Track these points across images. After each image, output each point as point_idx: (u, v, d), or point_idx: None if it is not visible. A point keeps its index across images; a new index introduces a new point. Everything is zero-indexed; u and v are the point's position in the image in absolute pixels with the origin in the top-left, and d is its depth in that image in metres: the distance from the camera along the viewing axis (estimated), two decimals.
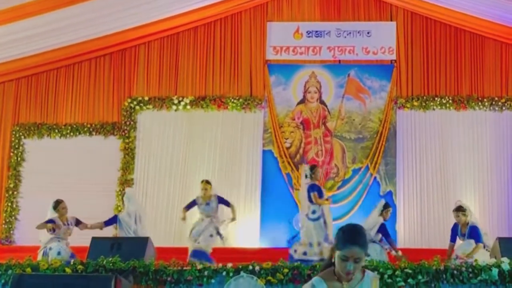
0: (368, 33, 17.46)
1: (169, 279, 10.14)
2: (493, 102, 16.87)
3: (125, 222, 12.54)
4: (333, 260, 4.54)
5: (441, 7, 16.95)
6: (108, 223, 12.73)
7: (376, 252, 11.50)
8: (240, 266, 10.14)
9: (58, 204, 12.46)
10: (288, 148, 17.12)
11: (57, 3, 15.52)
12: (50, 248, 11.97)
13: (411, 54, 17.31)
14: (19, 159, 17.38)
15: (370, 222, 12.06)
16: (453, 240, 12.26)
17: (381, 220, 11.92)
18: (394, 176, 16.75)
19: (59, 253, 11.68)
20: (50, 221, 12.28)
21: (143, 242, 11.42)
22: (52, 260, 10.72)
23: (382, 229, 11.93)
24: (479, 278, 9.95)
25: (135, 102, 17.41)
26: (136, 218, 12.92)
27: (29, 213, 16.67)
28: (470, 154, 16.73)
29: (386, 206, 12.16)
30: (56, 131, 17.40)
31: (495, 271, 9.97)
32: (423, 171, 16.69)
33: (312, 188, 12.94)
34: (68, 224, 12.44)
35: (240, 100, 17.25)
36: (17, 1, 15.11)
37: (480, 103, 16.88)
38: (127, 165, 17.07)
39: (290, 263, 10.70)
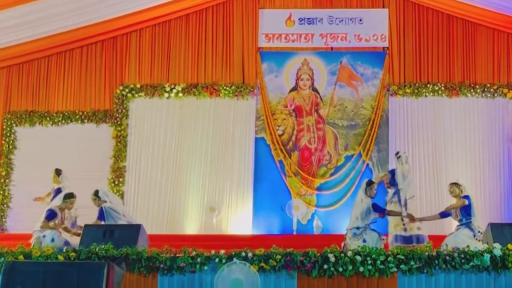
0: (360, 20, 17.45)
1: (161, 266, 10.14)
2: (485, 89, 16.90)
3: (112, 209, 12.42)
4: None
5: None
6: (101, 217, 12.62)
7: (373, 240, 11.51)
8: (233, 253, 10.14)
9: (70, 197, 12.36)
10: (280, 135, 17.13)
11: None
12: (44, 236, 11.91)
13: (403, 41, 17.31)
14: (10, 147, 17.33)
15: (359, 206, 11.97)
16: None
17: (369, 201, 11.89)
18: (386, 163, 16.78)
19: (52, 240, 11.63)
20: (53, 214, 12.14)
21: (135, 229, 11.37)
22: (44, 248, 10.70)
23: (376, 208, 11.89)
24: (471, 264, 9.98)
25: (127, 90, 17.37)
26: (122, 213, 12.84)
27: (21, 201, 16.67)
28: (463, 140, 16.79)
29: (369, 183, 12.13)
30: (48, 119, 17.37)
31: (487, 257, 10.01)
32: (416, 157, 16.71)
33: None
34: (63, 219, 12.37)
35: (232, 87, 17.23)
36: None
37: (472, 90, 16.91)
38: (119, 153, 17.05)
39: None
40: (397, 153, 13.65)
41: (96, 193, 12.73)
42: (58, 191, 13.88)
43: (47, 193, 14.39)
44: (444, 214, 12.39)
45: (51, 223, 12.07)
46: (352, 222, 11.91)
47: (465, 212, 11.78)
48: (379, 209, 11.90)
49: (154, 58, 17.62)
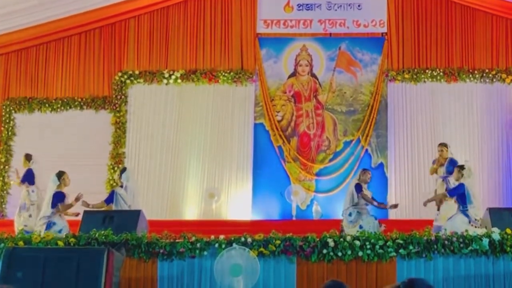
0: (359, 6, 17.42)
1: (161, 251, 10.17)
2: (484, 74, 16.90)
3: (122, 197, 12.53)
4: None
5: None
6: (108, 200, 12.71)
7: (369, 225, 11.60)
8: (233, 238, 10.18)
9: (62, 175, 12.39)
10: (279, 121, 17.13)
11: None
12: (54, 223, 11.95)
13: (402, 27, 17.29)
14: (10, 133, 17.35)
15: (349, 190, 12.23)
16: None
17: (355, 182, 12.13)
18: (385, 148, 16.83)
19: (60, 231, 11.63)
20: (61, 195, 12.19)
21: (135, 215, 11.41)
22: (44, 233, 10.73)
23: (357, 189, 12.08)
24: (469, 248, 10.02)
25: (125, 76, 17.37)
26: (133, 195, 12.92)
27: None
28: (461, 126, 16.80)
29: (363, 170, 12.32)
30: (47, 105, 17.37)
31: (485, 241, 10.04)
32: (414, 143, 16.75)
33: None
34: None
35: (231, 73, 17.23)
36: None
37: (471, 75, 16.91)
38: (119, 139, 17.06)
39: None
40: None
41: (122, 171, 13.04)
42: (29, 171, 14.17)
43: (16, 177, 14.70)
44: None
45: (72, 202, 12.17)
46: (346, 208, 12.09)
47: (460, 200, 11.79)
48: (358, 189, 12.10)
49: (152, 45, 17.61)
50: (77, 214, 12.42)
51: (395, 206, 13.22)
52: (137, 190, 13.53)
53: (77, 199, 12.23)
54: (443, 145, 13.89)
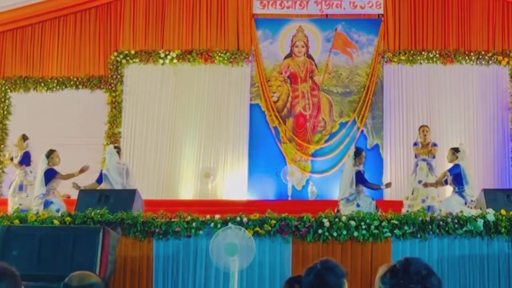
0: None
1: (157, 230, 10.20)
2: (480, 56, 16.90)
3: (110, 177, 12.51)
4: None
5: None
6: (100, 180, 12.72)
7: (366, 204, 11.59)
8: (228, 218, 10.21)
9: (51, 153, 12.39)
10: (275, 102, 17.12)
11: None
12: (51, 202, 11.95)
13: (398, 8, 17.26)
14: (5, 112, 17.32)
15: (348, 175, 12.04)
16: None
17: (355, 169, 11.95)
18: (381, 129, 16.85)
19: (58, 210, 11.62)
20: (52, 171, 12.24)
21: (130, 194, 11.42)
22: (40, 212, 10.74)
23: (359, 178, 11.95)
24: (464, 229, 10.07)
25: (121, 56, 17.31)
26: (125, 172, 12.89)
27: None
28: (457, 107, 16.83)
29: (357, 152, 12.16)
30: (42, 84, 17.33)
31: (480, 222, 10.09)
32: (410, 124, 16.76)
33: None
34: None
35: (227, 54, 17.19)
36: None
37: (467, 57, 16.91)
38: (114, 119, 17.04)
39: None
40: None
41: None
42: (27, 154, 14.13)
43: (8, 156, 14.83)
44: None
45: (75, 172, 12.33)
46: (342, 193, 11.99)
47: (456, 181, 11.84)
48: (361, 180, 11.96)
49: (148, 24, 17.54)
50: (68, 197, 12.45)
51: (389, 185, 13.16)
52: (120, 167, 13.50)
53: (81, 170, 12.33)
54: (427, 127, 13.92)
